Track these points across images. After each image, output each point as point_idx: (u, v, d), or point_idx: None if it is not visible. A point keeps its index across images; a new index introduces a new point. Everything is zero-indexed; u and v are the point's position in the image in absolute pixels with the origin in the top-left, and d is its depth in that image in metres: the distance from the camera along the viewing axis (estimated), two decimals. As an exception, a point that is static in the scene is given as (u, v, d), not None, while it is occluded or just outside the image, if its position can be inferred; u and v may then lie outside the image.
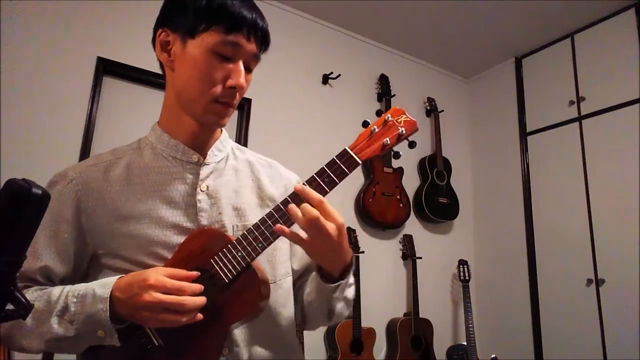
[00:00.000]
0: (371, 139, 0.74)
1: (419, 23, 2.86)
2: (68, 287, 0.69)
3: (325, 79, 2.80)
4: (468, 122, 3.51)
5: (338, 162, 0.73)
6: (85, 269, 0.77)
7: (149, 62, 2.13)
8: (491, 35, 2.96)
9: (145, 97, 2.21)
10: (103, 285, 0.66)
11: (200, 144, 0.82)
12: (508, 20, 2.79)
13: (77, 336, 0.65)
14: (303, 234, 0.69)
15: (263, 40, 0.77)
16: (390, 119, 0.75)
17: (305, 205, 0.67)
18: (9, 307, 0.46)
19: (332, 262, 0.75)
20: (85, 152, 1.97)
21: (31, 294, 0.69)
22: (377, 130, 0.75)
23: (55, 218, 0.74)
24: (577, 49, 2.81)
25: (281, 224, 0.69)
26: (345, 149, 0.74)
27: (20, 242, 0.45)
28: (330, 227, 0.68)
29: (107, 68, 2.10)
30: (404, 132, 0.74)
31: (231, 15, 0.71)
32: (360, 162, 0.73)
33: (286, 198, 0.71)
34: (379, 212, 2.71)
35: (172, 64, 0.76)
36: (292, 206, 0.68)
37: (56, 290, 0.68)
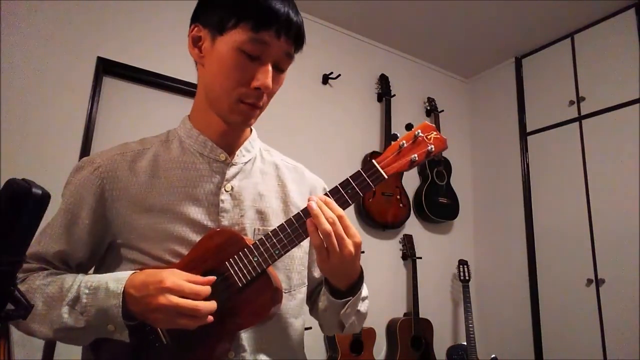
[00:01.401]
0: (400, 154, 0.72)
1: (419, 23, 2.86)
2: (81, 277, 0.68)
3: (325, 79, 2.80)
4: (468, 122, 3.51)
5: (364, 174, 0.70)
6: (101, 256, 0.77)
7: (149, 62, 2.15)
8: (491, 35, 2.96)
9: (145, 97, 2.21)
10: (116, 280, 0.65)
11: (229, 142, 0.81)
12: (508, 20, 2.79)
13: (86, 328, 0.65)
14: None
15: (296, 39, 0.74)
16: (420, 134, 0.73)
17: (327, 217, 0.66)
18: (9, 307, 0.46)
19: (339, 277, 0.75)
20: (85, 152, 1.97)
21: (44, 279, 0.69)
22: (405, 145, 0.73)
23: (78, 203, 0.74)
24: (577, 49, 2.81)
25: (301, 232, 0.69)
26: (372, 162, 0.72)
27: (20, 242, 0.45)
28: (349, 242, 0.67)
29: (107, 68, 2.10)
30: (433, 149, 0.72)
31: (260, 11, 0.69)
32: (386, 177, 0.71)
33: (299, 212, 0.70)
34: (379, 212, 2.71)
35: (203, 59, 0.76)
36: (309, 221, 0.67)
37: (69, 278, 0.68)
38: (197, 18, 0.76)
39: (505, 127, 3.19)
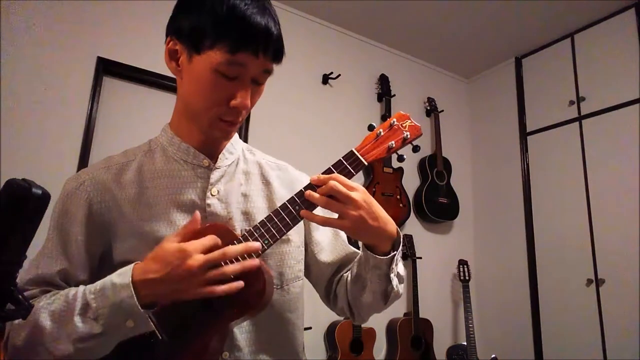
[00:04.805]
0: (377, 141, 0.77)
1: (419, 23, 2.86)
2: (82, 286, 0.67)
3: (325, 79, 2.80)
4: (468, 122, 3.51)
5: (345, 162, 0.74)
6: (98, 272, 0.76)
7: (149, 62, 2.15)
8: (491, 35, 2.96)
9: (145, 97, 2.21)
10: (120, 274, 0.64)
11: (211, 147, 0.81)
12: (508, 20, 2.79)
13: (104, 333, 0.63)
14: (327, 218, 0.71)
15: (276, 54, 0.72)
16: (395, 123, 0.78)
17: (319, 186, 0.69)
18: (9, 307, 0.46)
19: (375, 235, 0.73)
20: (85, 152, 1.97)
21: (46, 300, 0.67)
22: (382, 133, 0.77)
23: (69, 220, 0.74)
24: (577, 49, 2.81)
25: (288, 221, 0.70)
26: (352, 150, 0.75)
27: (20, 242, 0.45)
28: (354, 193, 0.69)
29: (107, 68, 2.10)
30: (408, 136, 0.77)
31: (237, 30, 0.66)
32: (366, 163, 0.75)
33: (293, 196, 0.71)
34: (379, 212, 2.71)
35: (180, 73, 0.75)
36: (308, 192, 0.70)
37: (72, 291, 0.67)
38: (173, 31, 0.73)
39: (505, 127, 3.19)
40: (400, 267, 0.81)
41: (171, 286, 0.62)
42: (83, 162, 1.95)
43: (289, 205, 0.71)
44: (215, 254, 0.63)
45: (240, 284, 0.64)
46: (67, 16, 2.03)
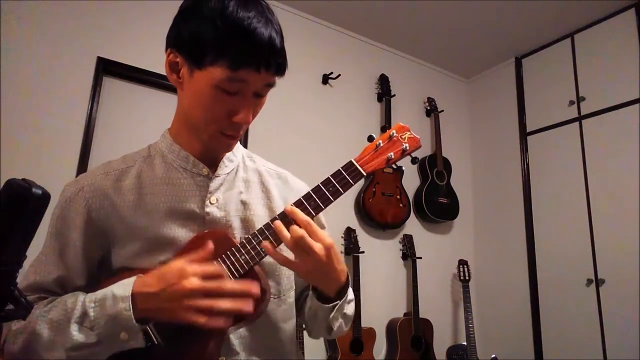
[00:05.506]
0: (376, 152, 0.77)
1: (419, 23, 2.86)
2: (82, 295, 0.67)
3: (325, 79, 2.80)
4: (468, 122, 3.51)
5: (343, 173, 0.74)
6: (96, 277, 0.76)
7: (149, 62, 2.15)
8: (491, 35, 2.96)
9: (145, 97, 2.21)
10: (122, 285, 0.64)
11: (211, 156, 0.81)
12: (508, 20, 2.79)
13: (98, 342, 0.63)
14: (291, 255, 0.70)
15: (278, 68, 0.70)
16: (395, 134, 0.78)
17: (293, 225, 0.68)
18: (9, 307, 0.46)
19: (324, 283, 0.75)
20: (85, 152, 1.97)
21: (43, 307, 0.67)
22: (382, 144, 0.77)
23: (68, 226, 0.74)
24: (577, 49, 2.81)
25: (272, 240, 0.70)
26: (351, 161, 0.76)
27: (20, 242, 0.45)
28: (318, 247, 0.67)
29: (107, 68, 2.10)
30: (407, 147, 0.77)
31: (239, 45, 0.65)
32: (365, 174, 0.75)
33: (283, 211, 0.72)
34: (379, 212, 2.71)
35: (181, 85, 0.74)
36: (278, 223, 0.69)
37: (70, 299, 0.67)
38: (173, 43, 0.72)
39: (505, 127, 3.19)
40: (349, 309, 0.82)
41: (161, 303, 0.62)
42: (83, 162, 1.95)
43: (282, 218, 0.71)
44: (212, 285, 0.63)
45: (224, 324, 0.64)
46: (67, 16, 2.03)
